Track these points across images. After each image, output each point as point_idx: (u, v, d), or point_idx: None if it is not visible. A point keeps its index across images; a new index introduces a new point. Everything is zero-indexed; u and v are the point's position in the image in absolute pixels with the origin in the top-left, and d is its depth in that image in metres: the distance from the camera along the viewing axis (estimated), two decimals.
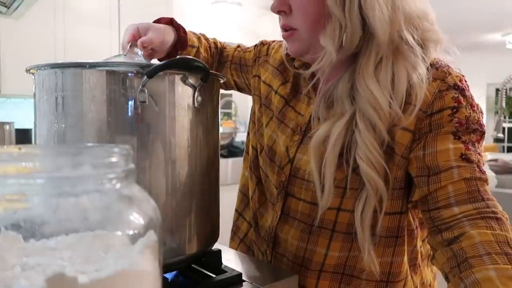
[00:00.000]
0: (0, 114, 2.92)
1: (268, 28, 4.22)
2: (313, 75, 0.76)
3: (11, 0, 1.06)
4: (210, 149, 0.67)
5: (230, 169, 3.37)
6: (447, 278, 0.60)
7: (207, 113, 0.65)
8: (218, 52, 0.99)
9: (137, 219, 0.33)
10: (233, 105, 4.12)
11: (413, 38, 0.66)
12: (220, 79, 0.70)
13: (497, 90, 5.81)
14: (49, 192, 0.30)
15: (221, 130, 3.65)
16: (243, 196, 0.95)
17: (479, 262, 0.55)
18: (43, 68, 0.60)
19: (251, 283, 0.65)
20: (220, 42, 1.02)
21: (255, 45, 0.97)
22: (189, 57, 0.68)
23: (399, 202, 0.71)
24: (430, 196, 0.64)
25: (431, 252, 0.66)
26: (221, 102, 0.73)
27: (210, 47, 0.97)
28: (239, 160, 3.56)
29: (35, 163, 0.31)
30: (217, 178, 0.70)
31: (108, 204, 0.33)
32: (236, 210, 0.99)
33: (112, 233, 0.32)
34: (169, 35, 0.82)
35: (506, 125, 5.28)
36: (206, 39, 0.98)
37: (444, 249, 0.61)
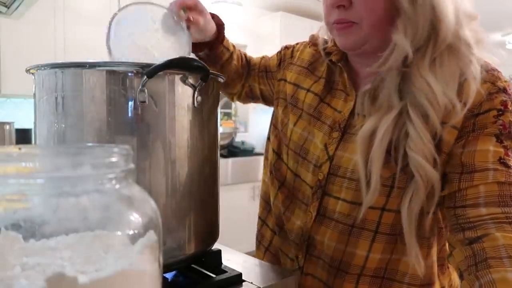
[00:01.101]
0: (0, 114, 2.92)
1: (268, 28, 4.22)
2: (350, 68, 0.77)
3: (11, 0, 1.06)
4: (210, 149, 0.67)
5: (230, 169, 3.37)
6: (461, 276, 0.60)
7: (207, 113, 0.65)
8: (247, 61, 1.00)
9: (137, 219, 0.33)
10: (233, 105, 4.12)
11: (470, 36, 0.66)
12: (220, 79, 0.70)
13: None
14: (49, 192, 0.30)
15: (221, 130, 3.65)
16: (265, 203, 0.93)
17: (499, 263, 0.55)
18: (43, 68, 0.60)
19: (251, 283, 0.65)
20: (246, 54, 1.03)
21: (279, 51, 0.97)
22: (189, 57, 0.68)
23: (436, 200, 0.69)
24: (459, 193, 0.64)
25: (449, 249, 0.65)
26: (221, 102, 0.73)
27: (241, 57, 0.98)
28: (239, 160, 3.58)
29: (35, 163, 0.31)
30: (217, 178, 0.70)
31: (108, 204, 0.33)
32: (259, 217, 0.96)
33: (112, 233, 0.32)
34: (213, 23, 0.86)
35: None
36: (238, 49, 0.99)
37: (464, 247, 0.60)
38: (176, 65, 0.59)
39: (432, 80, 0.64)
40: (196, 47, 0.86)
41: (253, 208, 3.56)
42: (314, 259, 0.77)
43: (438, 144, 0.66)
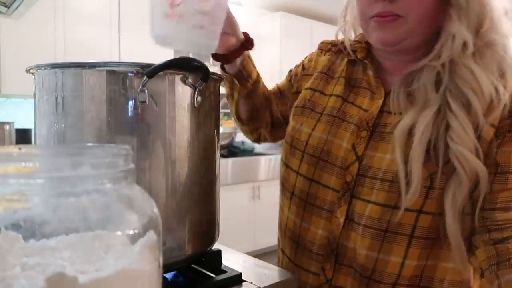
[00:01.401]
0: (0, 114, 2.92)
1: (268, 28, 4.22)
2: (375, 65, 0.75)
3: (11, 0, 1.06)
4: (210, 149, 0.67)
5: (230, 169, 3.37)
6: (482, 275, 0.59)
7: (207, 113, 0.65)
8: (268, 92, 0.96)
9: (137, 219, 0.33)
10: None
11: (506, 30, 0.65)
12: (220, 79, 0.70)
13: None
14: (49, 192, 0.30)
15: (221, 130, 3.65)
16: (281, 231, 0.85)
17: None
18: (43, 68, 0.60)
19: (251, 283, 0.65)
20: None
21: (289, 71, 0.95)
22: (189, 57, 0.68)
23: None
24: (490, 195, 0.62)
25: (472, 250, 0.64)
26: (221, 102, 0.73)
27: (264, 85, 0.94)
28: (239, 160, 3.58)
29: (35, 163, 0.31)
30: (217, 178, 0.70)
31: (108, 204, 0.33)
32: (281, 250, 0.87)
33: (112, 233, 0.32)
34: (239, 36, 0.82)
35: None
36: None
37: (488, 247, 0.60)
38: (176, 65, 0.59)
39: (476, 68, 0.63)
40: (226, 59, 0.84)
41: (253, 208, 3.56)
42: (345, 268, 0.72)
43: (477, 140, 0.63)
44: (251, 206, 3.53)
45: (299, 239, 0.77)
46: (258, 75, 0.89)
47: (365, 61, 0.76)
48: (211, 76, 0.63)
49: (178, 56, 0.75)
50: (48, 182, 0.30)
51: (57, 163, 0.31)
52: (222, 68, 0.86)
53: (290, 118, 0.84)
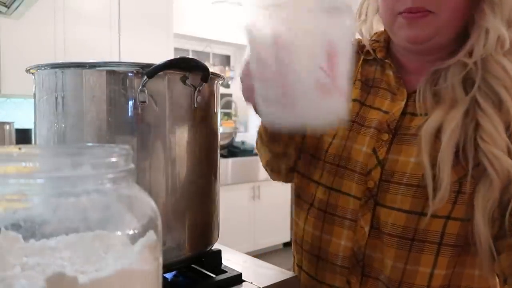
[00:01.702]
0: (0, 114, 2.92)
1: None
2: (397, 64, 0.71)
3: (11, 0, 1.06)
4: (210, 149, 0.67)
5: (230, 169, 3.37)
6: (505, 281, 0.58)
7: (207, 113, 0.65)
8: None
9: (137, 219, 0.33)
10: (233, 105, 4.12)
11: None
12: (220, 79, 0.70)
13: None
14: (49, 192, 0.30)
15: (221, 130, 3.65)
16: (298, 246, 0.80)
17: None
18: (43, 68, 0.60)
19: (251, 283, 0.65)
20: None
21: None
22: (189, 57, 0.68)
23: None
24: None
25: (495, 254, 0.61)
26: (221, 102, 0.73)
27: None
28: (239, 160, 3.57)
29: (35, 163, 0.31)
30: (217, 178, 0.70)
31: (108, 204, 0.33)
32: (297, 264, 0.82)
33: (112, 233, 0.32)
34: None
35: None
36: None
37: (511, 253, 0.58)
38: (176, 65, 0.59)
39: (508, 64, 0.60)
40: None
41: (253, 208, 3.56)
42: (372, 280, 0.68)
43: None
44: (251, 206, 3.53)
45: (320, 252, 0.73)
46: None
47: (386, 60, 0.72)
48: (211, 76, 0.63)
49: (178, 56, 0.75)
50: (48, 182, 0.30)
51: (57, 163, 0.31)
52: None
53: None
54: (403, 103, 0.68)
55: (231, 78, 4.08)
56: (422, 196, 0.62)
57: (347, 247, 0.69)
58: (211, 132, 0.67)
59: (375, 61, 0.75)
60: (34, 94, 0.63)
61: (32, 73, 0.63)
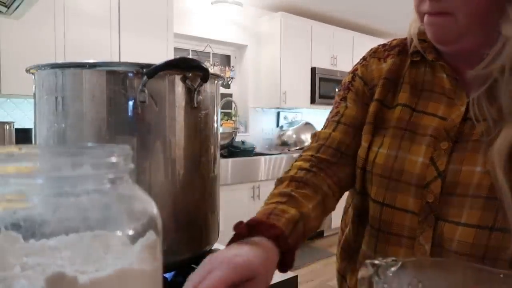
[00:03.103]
0: (0, 114, 2.92)
1: (268, 28, 4.22)
2: (454, 67, 0.65)
3: (11, 0, 1.06)
4: (210, 149, 0.67)
5: (230, 169, 3.37)
6: None
7: (207, 113, 0.65)
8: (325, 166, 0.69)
9: (137, 219, 0.33)
10: (233, 105, 4.12)
11: None
12: (220, 79, 0.70)
13: None
14: (49, 192, 0.30)
15: (221, 130, 3.65)
16: (345, 253, 0.75)
17: None
18: (43, 68, 0.60)
19: None
20: (319, 150, 0.70)
21: (340, 97, 0.75)
22: (189, 57, 0.67)
23: None
24: None
25: None
26: (221, 102, 0.73)
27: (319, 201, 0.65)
28: (239, 160, 3.57)
29: (35, 163, 0.31)
30: (217, 178, 0.70)
31: (108, 204, 0.33)
32: (338, 271, 0.77)
33: (112, 233, 0.32)
34: (260, 268, 0.50)
35: None
36: (310, 193, 0.65)
37: None
38: (176, 65, 0.59)
39: None
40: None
41: (253, 208, 3.56)
42: None
43: None
44: (251, 206, 3.53)
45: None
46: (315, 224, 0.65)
47: (440, 62, 0.66)
48: (211, 76, 0.63)
49: (178, 56, 0.75)
50: (48, 182, 0.30)
51: (57, 163, 0.31)
52: None
53: (362, 138, 0.70)
54: (463, 108, 0.63)
55: (231, 78, 4.08)
56: (493, 208, 0.58)
57: None
58: (211, 132, 0.67)
59: (423, 63, 0.69)
60: (34, 94, 0.63)
61: (32, 73, 0.63)
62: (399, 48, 0.73)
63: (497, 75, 0.58)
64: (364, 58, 0.76)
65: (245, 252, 0.51)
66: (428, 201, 0.62)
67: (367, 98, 0.72)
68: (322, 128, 0.74)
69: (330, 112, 0.75)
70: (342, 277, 0.76)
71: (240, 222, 0.60)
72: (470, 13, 0.58)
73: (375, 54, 0.75)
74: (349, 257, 0.74)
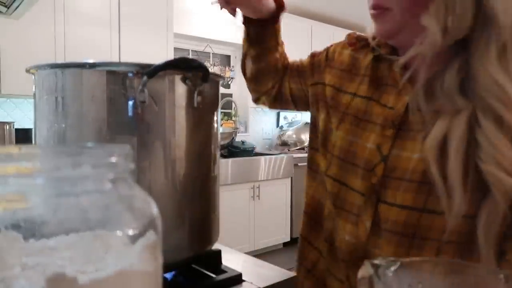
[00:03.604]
0: (0, 114, 2.92)
1: None
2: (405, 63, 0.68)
3: (11, 0, 1.06)
4: (210, 149, 0.67)
5: (230, 169, 3.37)
6: None
7: (207, 113, 0.65)
8: (286, 65, 0.91)
9: (137, 219, 0.33)
10: (233, 105, 4.12)
11: None
12: (220, 79, 0.70)
13: None
14: (49, 192, 0.30)
15: (221, 130, 3.65)
16: (309, 218, 0.82)
17: None
18: (43, 68, 0.60)
19: (251, 283, 0.65)
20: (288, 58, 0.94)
21: (310, 56, 0.89)
22: (189, 57, 0.67)
23: None
24: None
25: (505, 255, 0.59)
26: (221, 102, 0.73)
27: (285, 57, 0.91)
28: (239, 160, 3.57)
29: (35, 163, 0.31)
30: (217, 178, 0.70)
31: (108, 204, 0.33)
32: (301, 235, 0.85)
33: (112, 233, 0.32)
34: (270, 3, 0.80)
35: None
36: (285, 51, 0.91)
37: None
38: (176, 65, 0.59)
39: (503, 78, 0.56)
40: (249, 20, 0.83)
41: (253, 208, 3.56)
42: None
43: None
44: (251, 206, 3.53)
45: (332, 242, 0.74)
46: (277, 45, 0.87)
47: (390, 56, 0.71)
48: (211, 76, 0.63)
49: (178, 56, 0.75)
50: (48, 182, 0.30)
51: (57, 163, 0.31)
52: (244, 22, 0.85)
53: (319, 114, 0.81)
54: (407, 98, 0.67)
55: (231, 78, 4.08)
56: (425, 191, 0.62)
57: (350, 242, 0.70)
58: (211, 132, 0.67)
59: (385, 58, 0.74)
60: (34, 94, 0.63)
61: (32, 73, 0.63)
62: (365, 43, 0.78)
63: (439, 67, 0.62)
64: (338, 43, 0.85)
65: None
66: (373, 182, 0.67)
67: (320, 66, 0.84)
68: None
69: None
70: (304, 239, 0.82)
71: None
72: (404, 8, 0.62)
73: (348, 37, 0.83)
74: (314, 222, 0.81)
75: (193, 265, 0.68)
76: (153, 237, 0.34)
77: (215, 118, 0.68)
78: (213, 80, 0.67)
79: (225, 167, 3.32)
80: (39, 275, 0.28)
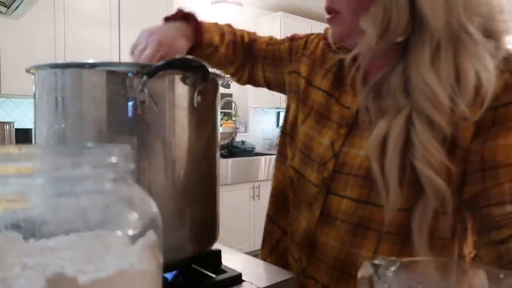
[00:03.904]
0: (0, 114, 2.92)
1: (268, 28, 4.22)
2: (357, 64, 0.71)
3: (11, 0, 1.06)
4: (210, 149, 0.67)
5: (230, 169, 3.37)
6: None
7: (207, 113, 0.65)
8: (246, 46, 0.91)
9: (137, 219, 0.33)
10: (233, 105, 4.12)
11: (475, 27, 0.60)
12: (220, 79, 0.70)
13: None
14: (49, 192, 0.30)
15: (221, 130, 3.65)
16: (276, 199, 0.88)
17: None
18: (43, 68, 0.60)
19: (251, 283, 0.65)
20: (250, 34, 0.93)
21: (289, 38, 0.90)
22: (189, 57, 0.67)
23: (457, 200, 0.65)
24: (483, 193, 0.60)
25: (475, 250, 0.63)
26: (221, 102, 0.73)
27: (235, 41, 0.89)
28: (239, 160, 3.58)
29: (35, 163, 0.31)
30: (217, 178, 0.70)
31: (108, 204, 0.33)
32: (267, 215, 0.90)
33: (112, 233, 0.32)
34: (183, 39, 0.77)
35: None
36: (233, 32, 0.89)
37: (490, 249, 0.59)
38: (176, 65, 0.59)
39: (433, 79, 0.59)
40: None
41: (253, 208, 3.56)
42: (317, 261, 0.74)
43: (452, 140, 0.61)
44: (251, 206, 3.53)
45: (289, 227, 0.83)
46: (216, 47, 0.85)
47: (339, 54, 0.75)
48: (211, 76, 0.63)
49: (178, 56, 0.75)
50: (48, 182, 0.30)
51: (57, 163, 0.31)
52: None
53: (291, 103, 0.84)
54: (360, 99, 0.71)
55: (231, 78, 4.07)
56: (368, 186, 0.67)
57: (303, 227, 0.77)
58: (211, 132, 0.67)
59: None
60: (34, 94, 0.63)
61: (32, 73, 0.63)
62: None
63: (389, 70, 0.65)
64: (319, 34, 0.88)
65: (172, 36, 0.75)
66: (324, 176, 0.73)
67: (297, 52, 0.86)
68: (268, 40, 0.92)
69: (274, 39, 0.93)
70: (270, 219, 0.89)
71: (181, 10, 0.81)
72: (352, 11, 0.65)
73: (326, 30, 0.84)
74: (280, 204, 0.86)
75: (193, 265, 0.68)
76: (153, 237, 0.34)
77: (215, 118, 0.68)
78: (213, 80, 0.67)
79: (225, 167, 3.32)
80: (39, 275, 0.28)
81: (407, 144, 0.62)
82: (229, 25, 0.91)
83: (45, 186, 0.30)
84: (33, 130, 0.66)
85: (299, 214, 0.79)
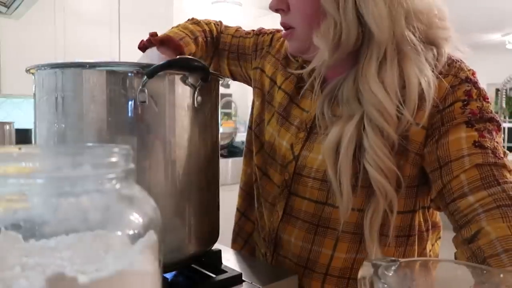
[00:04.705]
0: (0, 114, 2.93)
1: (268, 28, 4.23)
2: (313, 75, 0.73)
3: (11, 0, 1.06)
4: (210, 149, 0.67)
5: (230, 169, 3.37)
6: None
7: (207, 113, 0.65)
8: (215, 41, 0.93)
9: (137, 219, 0.33)
10: (233, 105, 4.12)
11: (416, 36, 0.63)
12: (220, 79, 0.70)
13: (497, 90, 5.82)
14: (49, 192, 0.30)
15: (221, 130, 3.64)
16: (245, 194, 0.92)
17: (497, 261, 0.55)
18: (43, 68, 0.60)
19: (251, 283, 0.65)
20: (216, 27, 0.94)
21: (255, 32, 0.91)
22: (189, 57, 0.67)
23: (412, 201, 0.69)
24: (445, 189, 0.63)
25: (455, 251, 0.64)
26: (221, 102, 0.73)
27: (206, 40, 0.90)
28: (239, 160, 3.57)
29: (35, 163, 0.31)
30: (217, 178, 0.70)
31: (108, 204, 0.33)
32: (237, 209, 0.95)
33: (112, 233, 0.32)
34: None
35: (506, 125, 5.27)
36: (202, 30, 0.90)
37: (464, 249, 0.60)
38: (176, 65, 0.59)
39: (379, 89, 0.62)
40: None
41: None
42: (281, 258, 0.77)
43: (403, 145, 0.65)
44: None
45: (256, 222, 0.86)
46: (195, 43, 0.85)
47: (292, 71, 0.78)
48: (211, 76, 0.63)
49: (178, 56, 0.75)
50: (48, 182, 0.30)
51: (57, 163, 0.31)
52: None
53: (256, 99, 0.87)
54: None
55: None
56: (326, 188, 0.70)
57: (266, 226, 0.80)
58: (211, 132, 0.67)
59: None
60: (34, 94, 0.63)
61: (32, 73, 0.63)
62: None
63: (343, 79, 0.68)
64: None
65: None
66: (285, 178, 0.76)
67: (262, 48, 0.88)
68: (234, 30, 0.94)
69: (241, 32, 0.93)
70: (241, 213, 0.94)
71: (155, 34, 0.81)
72: (305, 28, 0.67)
73: None
74: (250, 198, 0.89)
75: (193, 265, 0.68)
76: (153, 237, 0.34)
77: (215, 118, 0.68)
78: (213, 80, 0.67)
79: (225, 167, 3.32)
80: (39, 275, 0.28)
81: (359, 149, 0.65)
82: (195, 22, 0.91)
83: (45, 186, 0.30)
84: (33, 130, 0.66)
85: (264, 212, 0.82)
